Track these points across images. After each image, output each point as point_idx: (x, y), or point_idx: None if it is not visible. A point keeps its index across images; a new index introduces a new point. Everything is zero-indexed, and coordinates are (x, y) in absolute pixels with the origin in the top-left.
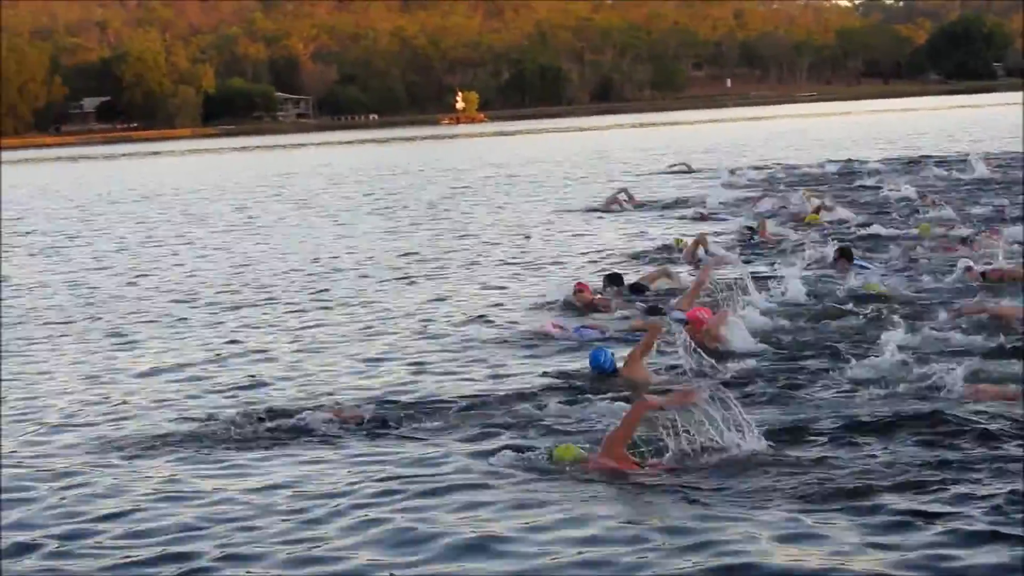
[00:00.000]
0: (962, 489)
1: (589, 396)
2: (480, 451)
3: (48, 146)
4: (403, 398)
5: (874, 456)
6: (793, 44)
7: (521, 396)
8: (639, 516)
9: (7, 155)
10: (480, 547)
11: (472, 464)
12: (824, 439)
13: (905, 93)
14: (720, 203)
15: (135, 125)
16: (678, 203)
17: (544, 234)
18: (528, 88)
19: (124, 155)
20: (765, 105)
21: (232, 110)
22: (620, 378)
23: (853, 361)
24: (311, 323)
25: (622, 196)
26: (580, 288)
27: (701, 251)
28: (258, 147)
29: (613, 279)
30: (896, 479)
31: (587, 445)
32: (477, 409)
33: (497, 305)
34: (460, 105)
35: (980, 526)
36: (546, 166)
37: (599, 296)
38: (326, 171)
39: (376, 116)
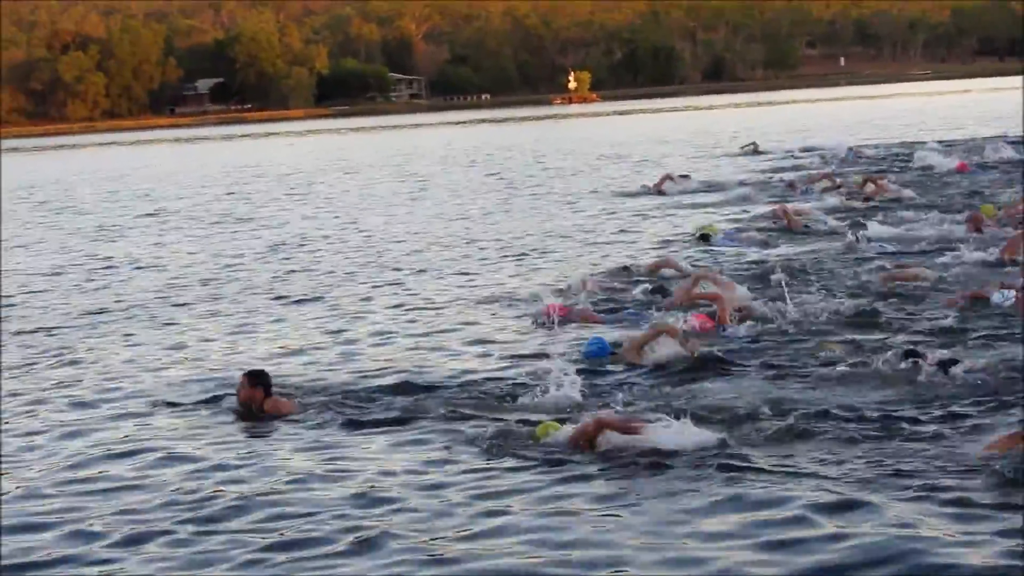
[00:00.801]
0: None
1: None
2: (462, 432)
3: (163, 127)
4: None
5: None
6: (907, 22)
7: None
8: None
9: (125, 136)
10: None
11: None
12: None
13: (1021, 71)
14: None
15: (249, 106)
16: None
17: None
18: (640, 67)
19: (242, 136)
20: (879, 84)
21: (345, 91)
22: (617, 360)
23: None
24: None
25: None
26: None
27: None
28: (375, 127)
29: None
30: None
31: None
32: (461, 392)
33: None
34: (572, 85)
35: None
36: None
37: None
38: (444, 151)
39: (488, 96)
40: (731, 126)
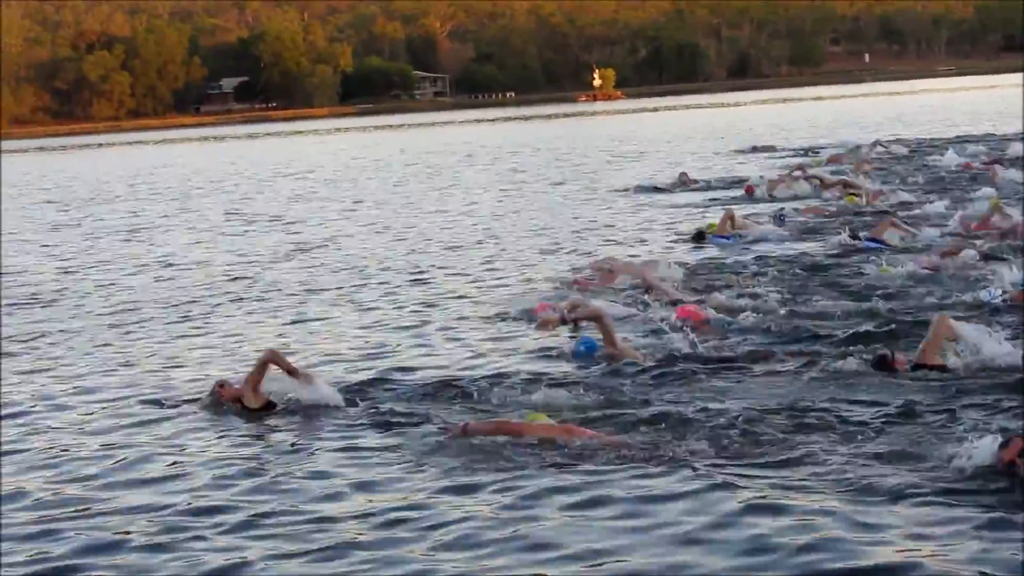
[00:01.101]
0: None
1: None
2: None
3: (188, 126)
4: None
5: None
6: (931, 18)
7: (498, 375)
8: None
9: (150, 135)
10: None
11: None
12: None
13: None
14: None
15: (273, 105)
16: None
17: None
18: (665, 65)
19: (267, 134)
20: (903, 80)
21: (369, 89)
22: (604, 357)
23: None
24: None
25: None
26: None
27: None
28: (401, 125)
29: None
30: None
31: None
32: (447, 387)
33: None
34: (597, 82)
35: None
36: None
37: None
38: (469, 148)
39: (513, 94)
40: (755, 123)
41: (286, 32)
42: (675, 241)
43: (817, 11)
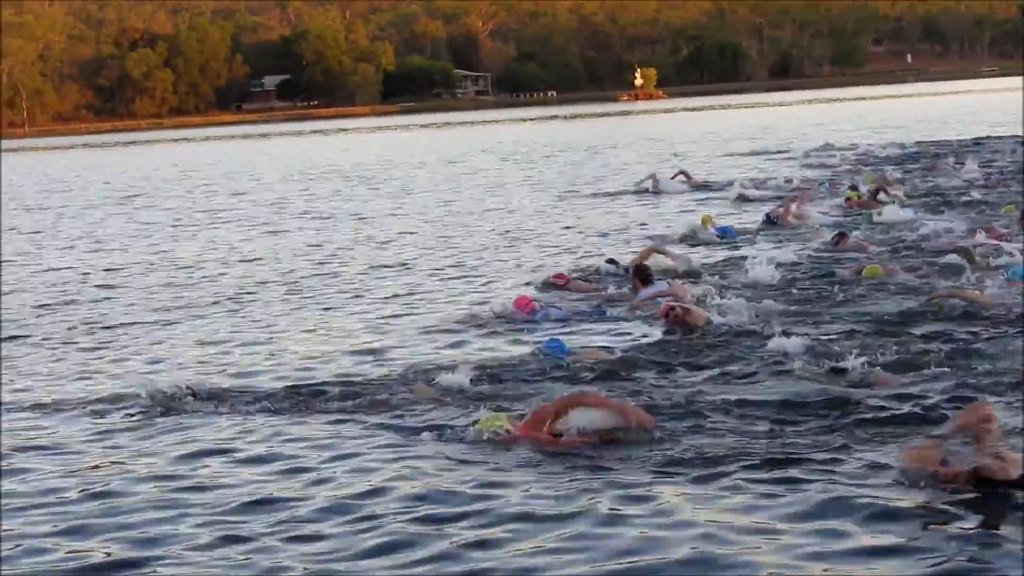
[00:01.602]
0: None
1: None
2: (407, 427)
3: (230, 124)
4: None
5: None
6: (974, 19)
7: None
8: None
9: (193, 132)
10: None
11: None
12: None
13: None
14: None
15: (315, 103)
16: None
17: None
18: (707, 64)
19: (312, 132)
20: (946, 80)
21: (411, 87)
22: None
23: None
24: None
25: (680, 176)
26: (558, 277)
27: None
28: (443, 123)
29: (611, 263)
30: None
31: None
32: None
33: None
34: (639, 82)
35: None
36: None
37: (577, 281)
38: (511, 147)
39: (554, 93)
40: (796, 123)
41: (328, 30)
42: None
43: (859, 11)
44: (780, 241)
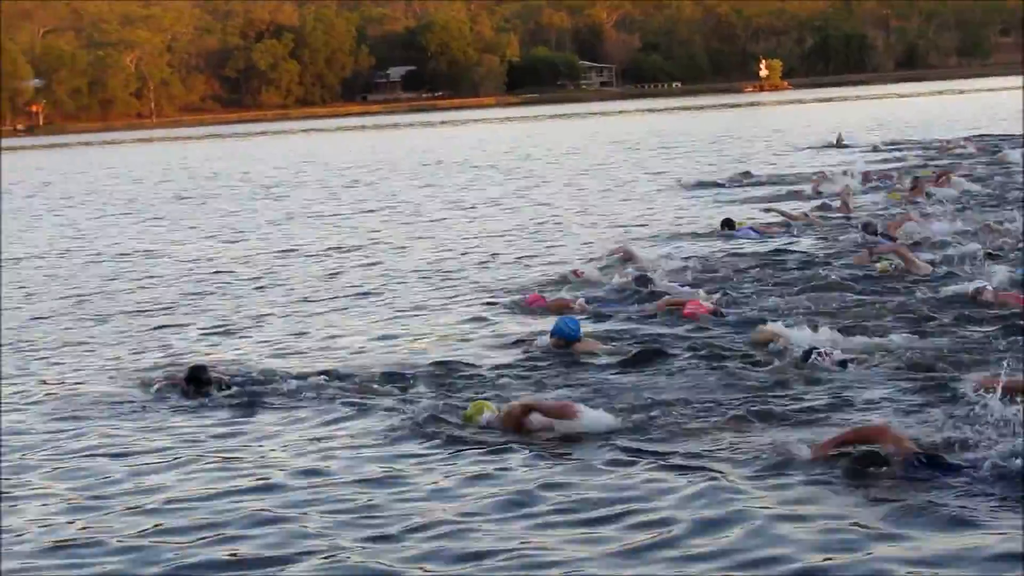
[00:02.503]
0: None
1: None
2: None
3: (355, 114)
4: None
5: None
6: None
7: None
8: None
9: (321, 123)
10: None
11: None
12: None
13: None
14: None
15: (440, 94)
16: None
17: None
18: (832, 56)
19: (441, 122)
20: None
21: (536, 78)
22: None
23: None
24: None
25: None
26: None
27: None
28: (569, 114)
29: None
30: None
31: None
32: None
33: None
34: (764, 73)
35: None
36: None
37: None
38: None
39: (679, 84)
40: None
41: (453, 22)
42: (708, 233)
43: (986, 2)
44: None
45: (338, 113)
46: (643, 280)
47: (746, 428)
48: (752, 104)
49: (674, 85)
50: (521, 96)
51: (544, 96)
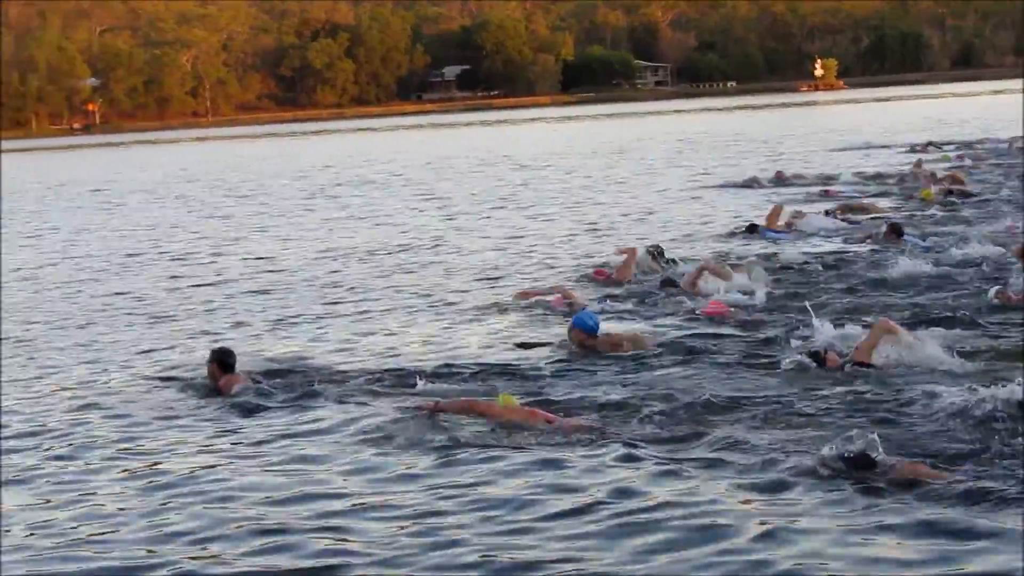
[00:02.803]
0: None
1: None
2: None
3: (410, 113)
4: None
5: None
6: None
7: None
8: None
9: (376, 122)
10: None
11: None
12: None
13: None
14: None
15: (495, 93)
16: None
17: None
18: (888, 55)
19: (498, 121)
20: None
21: (591, 77)
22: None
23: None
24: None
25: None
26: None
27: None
28: (625, 113)
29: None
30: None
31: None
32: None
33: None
34: (819, 72)
35: None
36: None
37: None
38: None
39: (734, 84)
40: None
41: (508, 20)
42: (731, 234)
43: None
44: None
45: (392, 112)
46: (668, 282)
47: (760, 428)
48: (808, 104)
49: (729, 84)
50: (576, 95)
51: (599, 95)
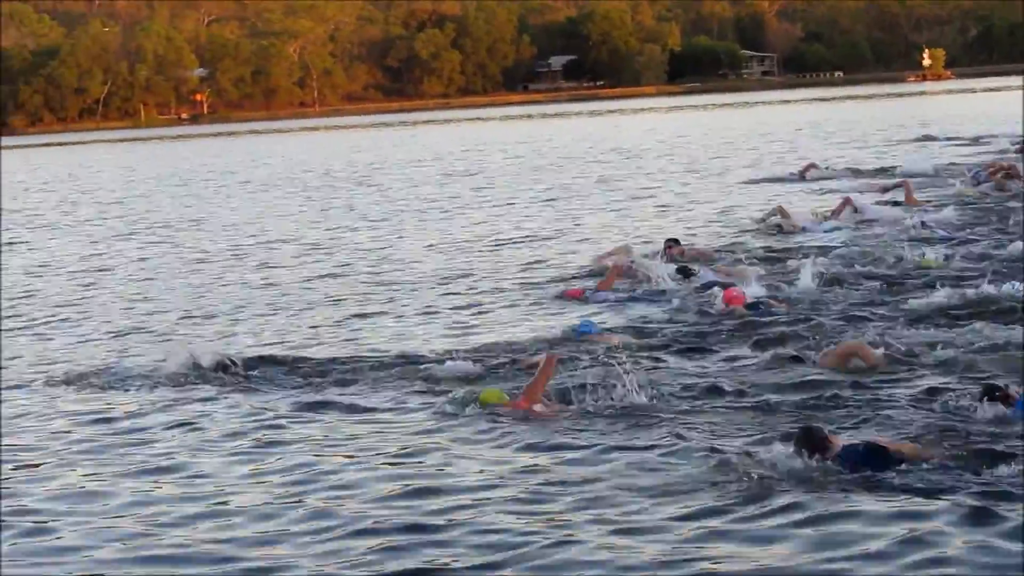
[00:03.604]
0: None
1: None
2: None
3: (516, 104)
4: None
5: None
6: None
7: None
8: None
9: (484, 112)
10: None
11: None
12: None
13: None
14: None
15: (601, 83)
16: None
17: None
18: (996, 45)
19: (608, 111)
20: None
21: (697, 68)
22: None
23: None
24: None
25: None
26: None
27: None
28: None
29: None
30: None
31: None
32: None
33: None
34: (927, 62)
35: None
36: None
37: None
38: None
39: (841, 74)
40: None
41: (614, 11)
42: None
43: None
44: None
45: (498, 102)
46: (685, 271)
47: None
48: (921, 93)
49: (836, 75)
50: (683, 85)
51: (706, 85)
